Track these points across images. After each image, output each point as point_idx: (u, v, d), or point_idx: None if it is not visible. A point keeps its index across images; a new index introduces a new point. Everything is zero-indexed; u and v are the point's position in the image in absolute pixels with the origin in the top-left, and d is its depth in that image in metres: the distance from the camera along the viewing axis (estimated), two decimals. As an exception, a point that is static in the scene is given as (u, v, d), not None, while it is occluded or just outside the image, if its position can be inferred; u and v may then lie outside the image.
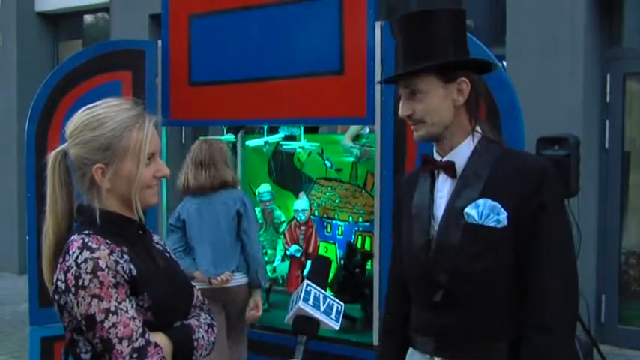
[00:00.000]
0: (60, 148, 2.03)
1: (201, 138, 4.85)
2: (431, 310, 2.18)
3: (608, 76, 6.45)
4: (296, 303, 1.96)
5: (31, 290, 4.32)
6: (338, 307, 2.01)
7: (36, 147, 4.28)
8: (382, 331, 2.50)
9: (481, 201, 2.10)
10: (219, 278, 4.40)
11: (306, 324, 1.96)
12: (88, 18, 10.65)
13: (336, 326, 1.99)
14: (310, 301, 1.95)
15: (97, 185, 1.98)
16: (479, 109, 2.22)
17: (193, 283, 4.36)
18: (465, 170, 2.17)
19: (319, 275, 2.09)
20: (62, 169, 2.02)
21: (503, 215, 2.07)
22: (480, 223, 2.09)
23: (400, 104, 2.21)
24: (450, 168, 2.18)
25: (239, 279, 4.49)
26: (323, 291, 2.01)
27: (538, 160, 2.20)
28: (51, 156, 2.03)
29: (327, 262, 2.19)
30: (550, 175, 2.11)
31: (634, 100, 6.57)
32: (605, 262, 6.49)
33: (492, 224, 2.08)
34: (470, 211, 2.10)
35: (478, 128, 2.21)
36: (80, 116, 2.01)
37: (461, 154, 2.18)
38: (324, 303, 1.98)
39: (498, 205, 2.08)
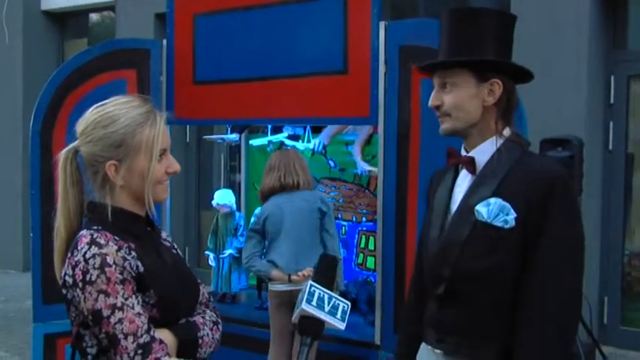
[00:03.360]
0: (71, 146, 2.05)
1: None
2: (436, 303, 2.22)
3: (612, 78, 6.45)
4: (300, 304, 1.96)
5: (34, 287, 4.34)
6: (344, 307, 2.01)
7: (41, 145, 4.29)
8: (402, 325, 2.57)
9: (492, 199, 2.11)
10: (300, 274, 4.39)
11: (310, 325, 1.96)
12: (94, 16, 10.67)
13: (342, 326, 1.99)
14: (314, 302, 1.96)
15: (110, 182, 2.00)
16: (511, 113, 2.24)
17: (274, 286, 4.41)
18: (484, 168, 2.20)
19: (324, 275, 2.09)
20: (73, 167, 2.05)
21: (512, 216, 2.08)
22: (489, 221, 2.10)
23: (432, 94, 2.25)
24: (470, 163, 2.21)
25: None
26: (328, 291, 2.01)
27: (551, 169, 2.14)
28: (62, 154, 2.05)
29: (332, 260, 2.19)
30: (560, 185, 2.09)
31: (638, 102, 6.56)
32: (609, 264, 6.49)
33: (500, 224, 2.09)
34: (480, 208, 2.12)
35: (507, 131, 2.23)
36: (91, 114, 2.03)
37: (483, 151, 2.21)
38: (328, 303, 1.98)
39: (508, 206, 2.09)
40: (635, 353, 6.28)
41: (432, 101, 2.23)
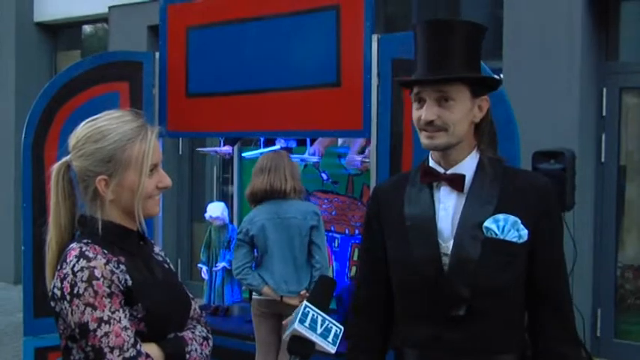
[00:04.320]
0: (63, 160, 2.06)
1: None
2: (443, 324, 2.14)
3: (604, 90, 6.47)
4: (292, 324, 1.96)
5: (25, 300, 4.31)
6: (336, 331, 2.00)
7: (32, 158, 4.28)
8: (351, 348, 2.36)
9: (501, 216, 2.11)
10: (295, 298, 4.34)
11: (300, 345, 1.96)
12: (87, 28, 10.67)
13: (332, 350, 1.98)
14: (306, 324, 1.95)
15: (101, 196, 2.00)
16: (485, 128, 2.23)
17: (255, 296, 4.32)
18: (473, 184, 2.17)
19: (320, 296, 2.08)
20: (65, 181, 2.05)
21: (525, 231, 2.10)
22: (501, 237, 2.09)
23: (424, 108, 2.15)
24: (458, 181, 2.18)
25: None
26: (322, 313, 2.00)
27: (542, 180, 2.23)
28: (54, 168, 2.06)
29: (330, 283, 2.18)
30: (555, 197, 2.21)
31: (630, 114, 6.58)
32: (601, 276, 6.48)
33: (513, 239, 2.09)
34: (490, 225, 2.10)
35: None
36: (83, 129, 2.04)
37: (467, 167, 2.19)
38: (321, 326, 1.97)
39: (519, 221, 2.10)
40: (629, 366, 6.28)
41: (428, 115, 2.12)
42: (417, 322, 2.20)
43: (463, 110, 2.14)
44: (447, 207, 2.18)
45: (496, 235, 2.10)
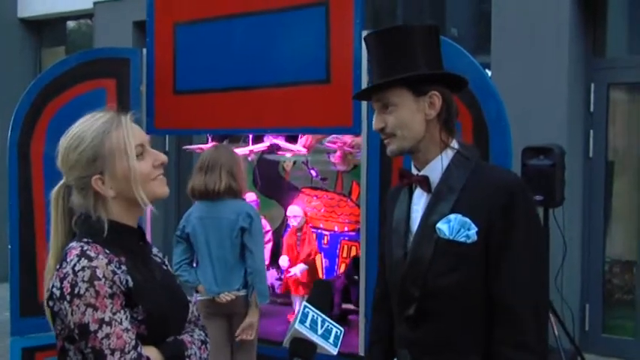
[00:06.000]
0: (60, 183, 2.05)
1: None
2: (406, 323, 2.19)
3: (592, 86, 6.48)
4: (293, 325, 1.94)
5: (12, 300, 4.26)
6: (337, 332, 1.99)
7: (19, 155, 4.24)
8: (368, 344, 2.52)
9: (452, 216, 2.10)
10: (221, 297, 4.25)
11: (302, 347, 1.94)
12: (71, 24, 10.59)
13: (334, 351, 1.97)
14: (307, 324, 1.94)
15: (102, 195, 1.98)
16: (452, 123, 2.22)
17: (198, 297, 4.27)
18: (439, 185, 2.17)
19: (319, 299, 2.07)
20: (64, 203, 2.04)
21: (473, 230, 2.07)
22: (451, 238, 2.09)
23: (374, 118, 2.23)
24: (424, 182, 2.19)
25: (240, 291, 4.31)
26: (322, 314, 2.00)
27: (509, 178, 2.16)
28: (52, 193, 2.05)
29: (328, 286, 2.18)
30: (520, 194, 2.10)
31: (618, 110, 6.60)
32: (590, 271, 6.50)
33: (462, 239, 2.08)
34: (441, 226, 2.11)
35: (455, 143, 2.21)
36: (62, 142, 2.03)
37: (435, 168, 2.19)
38: (322, 327, 1.96)
39: (469, 221, 2.08)
40: (617, 360, 6.30)
41: (375, 125, 2.21)
42: (396, 321, 2.28)
43: (406, 113, 2.16)
44: (419, 208, 2.22)
45: (446, 235, 2.10)
